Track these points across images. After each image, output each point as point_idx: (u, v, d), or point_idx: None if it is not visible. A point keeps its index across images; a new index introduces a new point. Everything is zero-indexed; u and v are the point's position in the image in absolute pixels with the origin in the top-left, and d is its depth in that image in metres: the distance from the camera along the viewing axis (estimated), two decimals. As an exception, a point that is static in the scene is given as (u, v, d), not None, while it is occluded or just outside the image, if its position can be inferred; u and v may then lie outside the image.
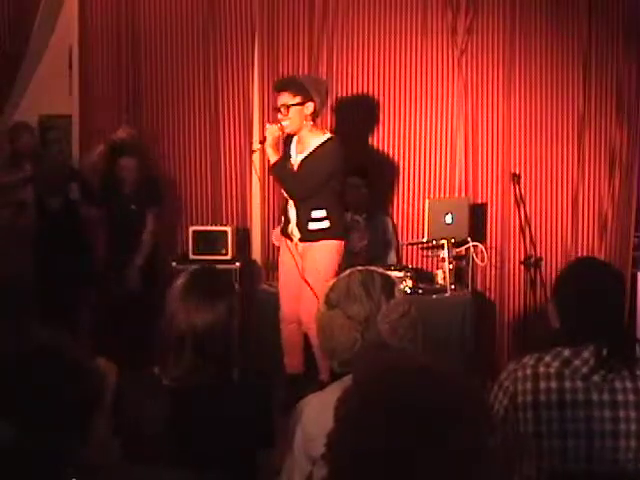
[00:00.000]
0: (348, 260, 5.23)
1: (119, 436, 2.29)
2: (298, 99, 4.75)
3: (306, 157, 4.82)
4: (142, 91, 5.95)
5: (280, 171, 4.84)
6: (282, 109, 4.77)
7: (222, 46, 5.92)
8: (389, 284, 2.27)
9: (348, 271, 2.33)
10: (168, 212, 5.96)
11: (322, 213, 4.83)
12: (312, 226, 4.82)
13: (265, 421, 2.45)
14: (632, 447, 2.33)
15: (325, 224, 4.84)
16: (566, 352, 2.40)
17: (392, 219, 5.96)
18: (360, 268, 2.37)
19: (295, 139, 4.90)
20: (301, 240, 4.86)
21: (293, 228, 4.87)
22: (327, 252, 4.82)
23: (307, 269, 4.79)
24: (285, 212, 4.96)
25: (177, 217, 6.01)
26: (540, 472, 2.36)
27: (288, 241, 4.92)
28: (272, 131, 4.78)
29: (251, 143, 5.96)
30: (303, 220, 4.83)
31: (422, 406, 1.26)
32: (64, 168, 5.76)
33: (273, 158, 4.82)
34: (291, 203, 4.88)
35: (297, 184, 4.81)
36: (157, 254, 5.68)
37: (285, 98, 4.77)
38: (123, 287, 5.45)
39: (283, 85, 4.89)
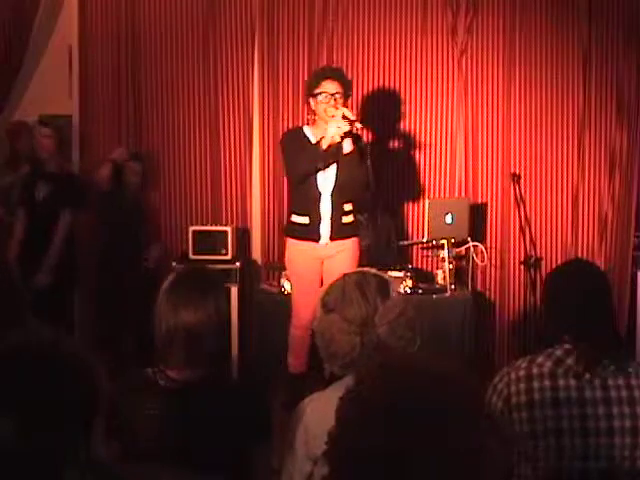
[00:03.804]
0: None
1: (116, 437, 2.30)
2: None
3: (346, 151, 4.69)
4: (142, 91, 5.95)
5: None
6: (337, 97, 4.66)
7: (222, 46, 5.92)
8: (384, 285, 2.27)
9: (342, 274, 2.33)
10: (168, 212, 5.98)
11: (349, 207, 4.81)
12: (345, 220, 4.77)
13: (263, 420, 2.45)
14: (627, 444, 2.34)
15: (351, 218, 4.82)
16: (558, 352, 2.41)
17: (392, 219, 5.95)
18: (359, 270, 2.37)
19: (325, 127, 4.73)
20: (333, 238, 4.72)
21: (324, 225, 4.72)
22: (357, 248, 4.84)
23: (347, 267, 4.53)
24: (312, 209, 4.72)
25: (177, 217, 6.00)
26: (536, 471, 2.37)
27: (312, 243, 4.74)
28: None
29: (251, 143, 5.96)
30: (338, 214, 4.73)
31: (422, 406, 1.26)
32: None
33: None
34: (324, 198, 4.72)
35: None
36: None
37: (338, 87, 4.68)
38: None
39: (341, 74, 4.81)
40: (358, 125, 4.59)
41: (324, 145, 4.55)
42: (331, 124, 4.55)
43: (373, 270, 2.36)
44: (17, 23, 5.81)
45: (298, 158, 4.68)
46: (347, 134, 4.57)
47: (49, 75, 5.98)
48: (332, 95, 4.65)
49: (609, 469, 2.33)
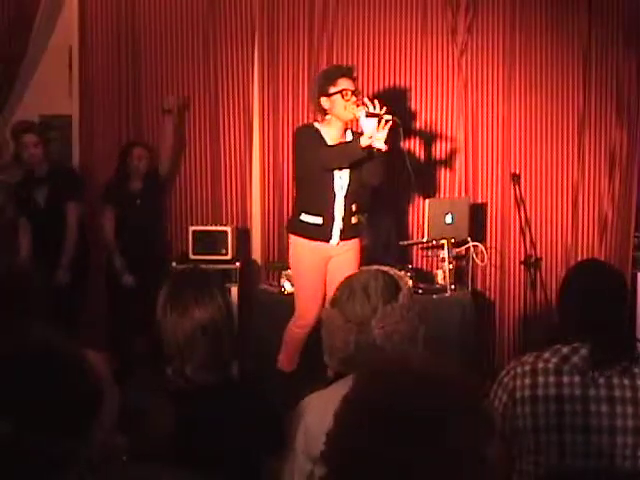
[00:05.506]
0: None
1: (125, 435, 2.29)
2: None
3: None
4: (142, 91, 5.95)
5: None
6: (357, 94, 4.63)
7: (222, 46, 5.92)
8: (392, 287, 2.23)
9: (360, 269, 2.32)
10: (168, 212, 5.97)
11: (355, 207, 4.81)
12: (353, 220, 4.78)
13: (270, 422, 2.44)
14: (629, 444, 2.34)
15: (357, 218, 4.83)
16: (565, 349, 2.42)
17: (392, 219, 5.95)
18: (374, 268, 2.32)
19: (339, 126, 4.72)
20: (343, 239, 4.72)
21: (337, 226, 4.70)
22: (360, 248, 4.85)
23: (351, 266, 4.55)
24: (326, 210, 4.70)
25: (177, 217, 6.00)
26: (537, 468, 2.37)
27: (322, 243, 4.72)
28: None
29: (251, 143, 5.96)
30: (348, 214, 4.74)
31: (421, 408, 1.26)
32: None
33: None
34: (339, 199, 4.70)
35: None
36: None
37: (353, 85, 4.64)
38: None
39: (353, 72, 4.75)
40: (387, 117, 4.48)
41: (363, 144, 4.48)
42: (367, 127, 4.46)
43: (393, 270, 2.33)
44: (17, 23, 5.81)
45: (329, 152, 4.62)
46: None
47: (49, 75, 5.97)
48: (353, 92, 4.62)
49: (610, 468, 2.34)
